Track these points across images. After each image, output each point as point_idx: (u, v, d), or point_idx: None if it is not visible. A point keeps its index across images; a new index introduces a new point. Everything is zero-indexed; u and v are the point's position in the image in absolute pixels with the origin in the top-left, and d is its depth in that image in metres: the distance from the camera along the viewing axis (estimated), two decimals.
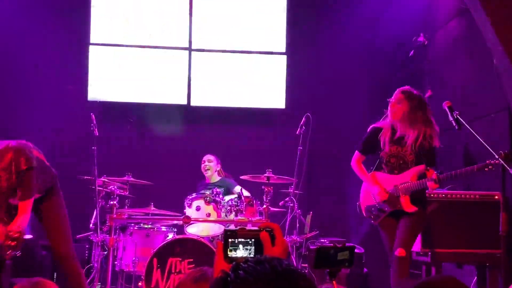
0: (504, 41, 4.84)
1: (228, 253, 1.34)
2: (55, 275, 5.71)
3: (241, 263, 1.07)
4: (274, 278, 1.03)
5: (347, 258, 2.14)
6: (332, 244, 2.31)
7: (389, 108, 4.44)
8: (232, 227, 5.31)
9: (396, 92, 4.46)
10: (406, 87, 4.48)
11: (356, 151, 4.60)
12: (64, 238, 4.41)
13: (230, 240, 1.35)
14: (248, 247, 1.35)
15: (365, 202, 4.52)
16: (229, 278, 1.06)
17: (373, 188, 4.40)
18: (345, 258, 2.14)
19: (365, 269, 6.12)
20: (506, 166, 3.60)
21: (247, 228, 1.39)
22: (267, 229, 1.37)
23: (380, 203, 4.39)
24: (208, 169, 6.30)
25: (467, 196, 5.10)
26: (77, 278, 4.44)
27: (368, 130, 4.57)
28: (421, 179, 4.28)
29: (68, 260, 4.38)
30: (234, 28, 7.64)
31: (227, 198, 5.41)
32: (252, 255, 1.34)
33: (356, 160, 4.57)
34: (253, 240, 1.35)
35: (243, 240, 1.35)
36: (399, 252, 4.16)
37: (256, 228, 1.39)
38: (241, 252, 1.35)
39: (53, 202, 4.40)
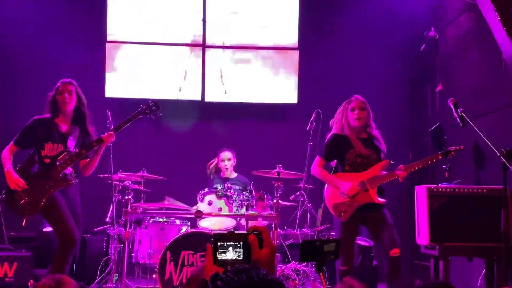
0: None
1: (218, 256, 1.39)
2: (74, 266, 5.82)
3: (220, 274, 1.09)
4: None
5: (333, 251, 2.17)
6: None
7: (350, 114, 4.66)
8: (242, 222, 5.38)
9: (357, 99, 4.72)
10: (360, 96, 4.79)
11: (318, 156, 4.77)
12: (78, 225, 4.75)
13: (219, 243, 1.40)
14: (237, 250, 1.40)
15: (332, 201, 4.61)
16: None
17: (342, 186, 4.53)
18: (331, 250, 2.17)
19: (374, 262, 6.15)
20: (507, 164, 3.61)
21: (236, 232, 1.44)
22: (255, 232, 1.43)
23: (349, 200, 4.49)
24: (227, 168, 6.30)
25: (475, 190, 5.10)
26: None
27: (330, 137, 4.74)
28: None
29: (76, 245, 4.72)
30: (247, 24, 7.69)
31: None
32: (241, 258, 1.39)
33: (317, 165, 4.74)
34: (241, 243, 1.40)
35: (232, 243, 1.40)
36: (395, 252, 4.30)
37: (244, 231, 1.44)
38: (230, 255, 1.40)
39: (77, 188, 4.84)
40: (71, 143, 4.72)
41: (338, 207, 4.52)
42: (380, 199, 4.50)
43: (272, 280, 1.08)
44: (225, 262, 1.39)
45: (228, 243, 1.40)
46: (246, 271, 1.08)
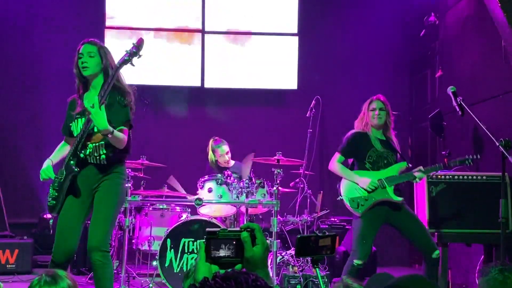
0: None
1: (211, 253, 1.39)
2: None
3: (208, 280, 1.08)
4: None
5: (329, 245, 2.16)
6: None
7: (370, 113, 4.63)
8: (242, 209, 5.39)
9: (378, 99, 4.67)
10: (381, 95, 4.73)
11: (336, 152, 4.72)
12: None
13: (212, 240, 1.40)
14: (230, 247, 1.39)
15: (349, 195, 4.60)
16: None
17: (361, 180, 4.51)
18: (326, 245, 2.17)
19: (373, 248, 6.16)
20: (505, 153, 3.60)
21: (229, 229, 1.43)
22: (248, 229, 1.42)
23: (366, 195, 4.49)
24: (228, 161, 6.18)
25: (474, 177, 5.10)
26: None
27: (351, 134, 4.70)
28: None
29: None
30: (246, 10, 7.63)
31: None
32: (234, 255, 1.39)
33: (336, 160, 4.70)
34: (234, 240, 1.40)
35: (225, 240, 1.40)
36: (438, 253, 4.37)
37: (237, 228, 1.43)
38: (223, 252, 1.39)
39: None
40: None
41: (355, 201, 4.52)
42: (397, 198, 4.49)
43: (262, 285, 1.06)
44: (217, 260, 1.39)
45: (221, 240, 1.39)
46: (235, 276, 1.07)
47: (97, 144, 3.69)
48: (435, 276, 4.54)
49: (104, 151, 3.71)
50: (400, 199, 4.49)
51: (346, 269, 4.35)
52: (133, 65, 3.77)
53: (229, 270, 1.37)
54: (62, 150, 3.91)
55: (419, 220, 4.63)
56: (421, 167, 4.54)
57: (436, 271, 4.52)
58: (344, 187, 4.62)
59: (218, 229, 1.42)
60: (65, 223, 3.68)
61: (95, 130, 3.60)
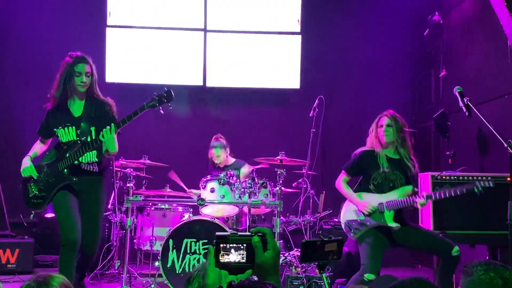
0: None
1: (220, 258, 1.35)
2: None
3: None
4: None
5: (335, 250, 2.12)
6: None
7: (378, 130, 4.48)
8: (245, 209, 5.35)
9: (385, 116, 4.51)
10: (391, 111, 4.56)
11: (343, 170, 4.63)
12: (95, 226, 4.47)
13: (222, 245, 1.36)
14: (241, 252, 1.35)
15: (346, 217, 4.55)
16: None
17: (360, 203, 4.43)
18: (332, 250, 2.13)
19: None
20: None
21: (239, 233, 1.39)
22: (259, 234, 1.38)
23: (363, 218, 4.42)
24: (218, 158, 6.07)
25: (479, 177, 5.06)
26: None
27: (358, 152, 4.57)
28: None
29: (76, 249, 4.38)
30: (248, 9, 7.59)
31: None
32: (244, 260, 1.35)
33: (341, 179, 4.63)
34: (245, 245, 1.36)
35: (235, 245, 1.36)
36: (457, 250, 4.24)
37: (248, 233, 1.39)
38: (233, 257, 1.35)
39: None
40: (86, 128, 4.23)
41: (349, 224, 4.46)
42: (393, 224, 4.34)
43: None
44: (227, 265, 1.35)
45: (231, 245, 1.36)
46: (252, 286, 1.02)
47: (90, 153, 4.24)
48: (452, 273, 4.38)
49: (96, 160, 4.30)
50: (396, 225, 4.33)
51: (355, 281, 4.20)
52: (162, 113, 4.35)
53: (239, 276, 1.34)
54: (38, 149, 4.43)
55: (423, 230, 4.54)
56: (425, 193, 4.33)
57: (454, 269, 4.34)
58: (344, 209, 4.58)
59: (228, 233, 1.38)
60: (69, 211, 4.16)
61: (89, 144, 4.16)
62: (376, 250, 4.29)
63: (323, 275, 2.12)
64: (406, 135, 4.51)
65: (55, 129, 4.27)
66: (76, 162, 4.19)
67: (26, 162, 4.28)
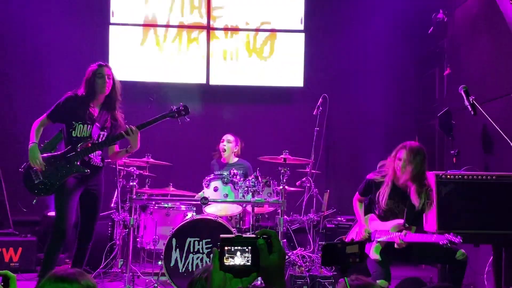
0: None
1: (225, 261, 1.33)
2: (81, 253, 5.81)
3: None
4: None
5: (357, 252, 2.08)
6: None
7: (396, 162, 4.34)
8: (248, 208, 5.33)
9: (404, 149, 4.34)
10: (412, 143, 4.41)
11: (357, 193, 4.61)
12: (91, 219, 4.74)
13: (226, 248, 1.34)
14: (246, 255, 1.34)
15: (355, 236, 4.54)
16: None
17: (360, 228, 4.48)
18: (354, 252, 2.09)
19: None
20: None
21: (244, 235, 1.37)
22: (264, 236, 1.37)
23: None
24: (226, 150, 6.24)
25: (484, 177, 5.03)
26: None
27: (368, 179, 4.52)
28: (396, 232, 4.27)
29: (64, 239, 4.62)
30: (252, 7, 7.57)
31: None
32: (249, 263, 1.34)
33: (356, 199, 4.62)
34: (250, 247, 1.34)
35: (239, 247, 1.34)
36: (462, 253, 4.30)
37: (252, 235, 1.38)
38: (238, 260, 1.34)
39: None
40: (95, 130, 4.58)
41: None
42: (371, 255, 4.26)
43: None
44: (232, 268, 1.33)
45: (236, 248, 1.34)
46: None
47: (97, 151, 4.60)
48: (461, 277, 4.34)
49: (101, 157, 4.66)
50: (371, 256, 4.25)
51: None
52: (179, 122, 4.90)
53: (244, 279, 1.32)
54: (40, 132, 4.59)
55: (421, 247, 4.44)
56: (404, 232, 4.21)
57: (463, 272, 4.30)
58: (354, 228, 4.59)
59: (233, 235, 1.36)
60: (67, 202, 4.46)
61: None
62: (384, 259, 4.26)
63: (345, 279, 2.07)
64: (424, 169, 4.37)
65: (73, 122, 4.53)
66: (86, 156, 4.52)
67: (36, 153, 4.46)
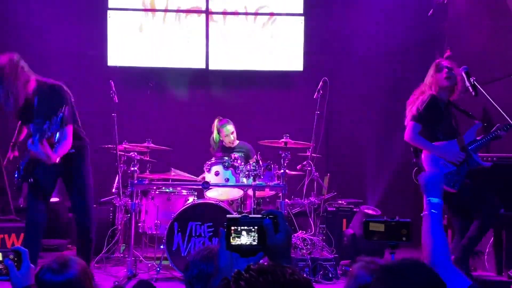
0: None
1: (231, 241, 1.35)
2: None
3: (243, 273, 1.02)
4: None
5: (382, 231, 2.09)
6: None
7: (439, 75, 4.49)
8: (249, 192, 5.34)
9: (441, 60, 4.56)
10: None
11: (413, 122, 4.48)
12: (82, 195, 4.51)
13: (233, 228, 1.35)
14: (252, 234, 1.35)
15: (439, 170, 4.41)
16: None
17: (448, 154, 4.37)
18: (378, 230, 2.09)
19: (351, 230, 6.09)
20: None
21: (250, 216, 1.38)
22: (270, 216, 1.37)
23: (456, 167, 4.38)
24: (231, 139, 6.16)
25: (484, 158, 5.03)
26: None
27: (428, 98, 4.46)
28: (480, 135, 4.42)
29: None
30: None
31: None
32: (256, 242, 1.34)
33: (418, 132, 4.48)
34: (256, 227, 1.35)
35: (246, 227, 1.35)
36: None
37: (259, 215, 1.38)
38: (245, 239, 1.35)
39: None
40: None
41: (446, 177, 4.46)
42: (486, 162, 4.52)
43: (300, 279, 0.99)
44: (239, 247, 1.34)
45: (242, 228, 1.35)
46: (272, 270, 0.99)
47: None
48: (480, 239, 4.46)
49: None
50: (488, 163, 4.47)
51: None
52: None
53: (250, 258, 1.33)
54: None
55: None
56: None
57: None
58: (429, 165, 4.49)
59: (239, 216, 1.37)
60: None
61: None
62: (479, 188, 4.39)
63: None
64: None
65: None
66: None
67: None
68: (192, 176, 5.78)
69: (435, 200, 1.99)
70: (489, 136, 4.36)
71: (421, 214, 2.02)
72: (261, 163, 5.16)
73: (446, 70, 4.41)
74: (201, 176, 5.75)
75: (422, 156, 4.45)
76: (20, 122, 4.54)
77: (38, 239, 4.33)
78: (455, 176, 4.35)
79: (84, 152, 4.42)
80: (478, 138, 4.40)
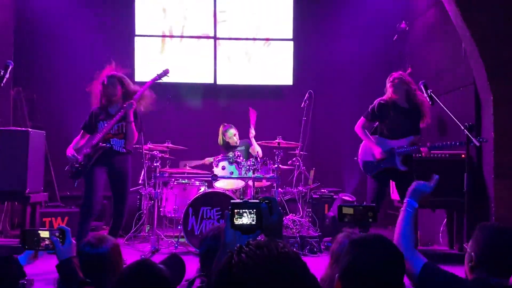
0: (470, 27, 4.70)
1: (235, 221, 1.36)
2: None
3: (244, 247, 1.03)
4: (270, 262, 0.99)
5: (351, 214, 2.07)
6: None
7: (388, 85, 4.58)
8: (249, 182, 5.35)
9: (395, 76, 4.58)
10: (398, 72, 4.66)
11: (363, 117, 4.65)
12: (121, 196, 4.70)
13: (236, 210, 1.36)
14: (251, 216, 1.36)
15: (364, 158, 4.58)
16: (233, 261, 1.01)
17: (374, 149, 4.45)
18: (349, 213, 2.08)
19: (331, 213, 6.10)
20: (470, 136, 3.55)
21: (250, 201, 1.39)
22: (266, 201, 1.38)
23: (378, 160, 4.45)
24: (235, 140, 6.14)
25: (440, 155, 5.06)
26: None
27: (376, 103, 4.60)
28: (413, 146, 4.47)
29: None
30: (250, 20, 7.54)
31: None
32: (254, 222, 1.35)
33: (361, 125, 4.65)
34: (254, 210, 1.36)
35: (247, 210, 1.36)
36: None
37: (257, 201, 1.39)
38: (245, 220, 1.36)
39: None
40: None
41: (366, 164, 4.59)
42: (404, 167, 4.48)
43: (289, 252, 1.01)
44: (241, 226, 1.35)
45: (243, 210, 1.36)
46: (267, 245, 1.01)
47: None
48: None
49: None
50: (405, 169, 4.47)
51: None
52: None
53: (250, 235, 1.34)
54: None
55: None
56: (427, 144, 4.46)
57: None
58: (362, 150, 4.62)
59: (241, 200, 1.38)
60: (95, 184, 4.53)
61: None
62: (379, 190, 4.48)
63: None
64: (412, 89, 4.50)
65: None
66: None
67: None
68: (199, 161, 5.93)
69: (413, 203, 2.01)
70: (414, 147, 4.47)
71: (400, 209, 2.04)
72: (259, 159, 5.18)
73: (391, 84, 4.50)
74: (206, 159, 5.93)
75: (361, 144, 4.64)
76: (82, 131, 4.73)
77: (89, 222, 4.51)
78: (373, 166, 4.50)
79: (129, 156, 4.67)
80: (406, 145, 4.49)
